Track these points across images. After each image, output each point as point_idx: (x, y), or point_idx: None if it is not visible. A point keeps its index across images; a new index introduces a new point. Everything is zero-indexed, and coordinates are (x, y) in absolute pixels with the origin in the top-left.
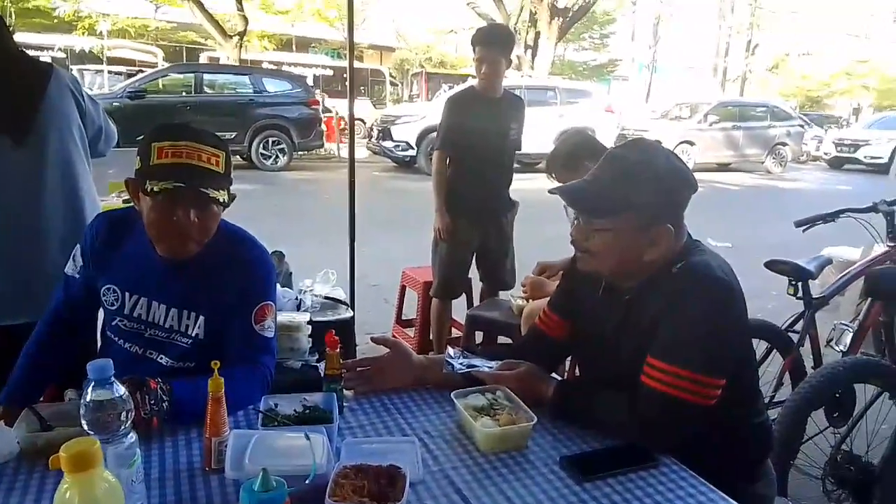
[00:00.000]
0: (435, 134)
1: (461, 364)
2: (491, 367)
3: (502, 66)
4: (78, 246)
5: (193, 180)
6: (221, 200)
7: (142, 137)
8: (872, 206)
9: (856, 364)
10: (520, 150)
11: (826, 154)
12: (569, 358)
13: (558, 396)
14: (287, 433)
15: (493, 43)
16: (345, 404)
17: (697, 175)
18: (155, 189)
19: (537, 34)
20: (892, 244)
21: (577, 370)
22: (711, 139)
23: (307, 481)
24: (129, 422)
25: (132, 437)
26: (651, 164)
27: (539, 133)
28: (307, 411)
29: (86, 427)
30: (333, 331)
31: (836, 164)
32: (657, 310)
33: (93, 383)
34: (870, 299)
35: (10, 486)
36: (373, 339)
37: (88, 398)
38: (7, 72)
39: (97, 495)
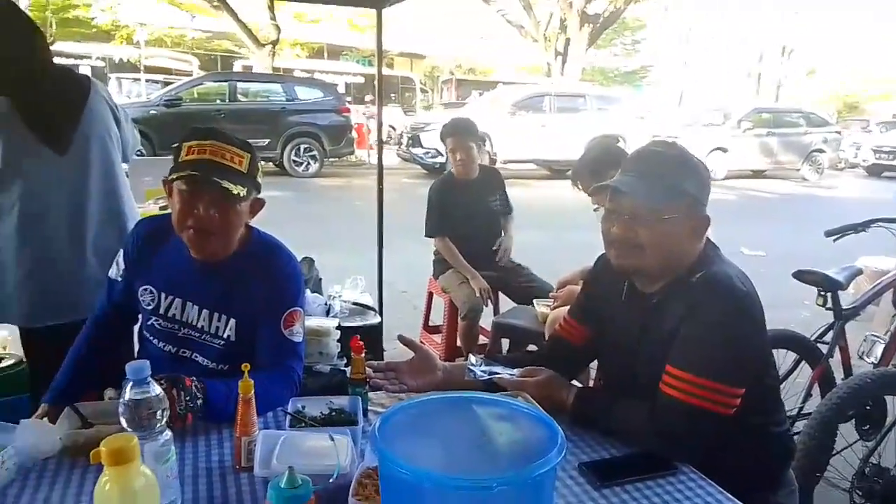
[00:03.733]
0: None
1: (482, 371)
2: (512, 375)
3: (474, 151)
4: (121, 251)
5: (208, 172)
6: (235, 193)
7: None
8: None
9: (885, 375)
10: (510, 212)
11: (864, 161)
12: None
13: (578, 404)
14: (313, 434)
15: (461, 133)
16: (369, 408)
17: (731, 182)
18: (173, 178)
19: (567, 41)
20: None
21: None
22: (745, 146)
23: (331, 480)
24: (164, 420)
25: (167, 434)
26: (688, 156)
27: (569, 140)
28: (333, 413)
29: (124, 424)
30: (358, 336)
31: (875, 171)
32: (677, 318)
33: (131, 383)
34: None
35: (53, 480)
36: (399, 338)
37: (127, 397)
38: (50, 87)
39: (135, 488)
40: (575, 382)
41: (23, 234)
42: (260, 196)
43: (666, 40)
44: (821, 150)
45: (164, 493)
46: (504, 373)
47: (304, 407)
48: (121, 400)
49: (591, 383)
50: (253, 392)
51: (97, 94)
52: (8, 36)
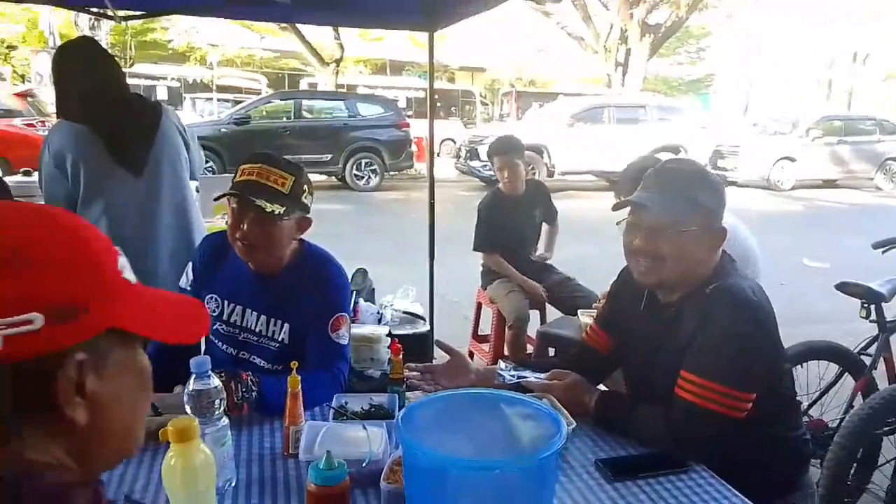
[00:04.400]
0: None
1: (511, 375)
2: (539, 378)
3: (520, 168)
4: (190, 262)
5: (249, 191)
6: (269, 211)
7: None
8: None
9: None
10: (555, 218)
11: None
12: None
13: (599, 406)
14: (353, 426)
15: (508, 151)
16: (406, 404)
17: (799, 192)
18: (223, 195)
19: (628, 51)
20: None
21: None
22: (815, 155)
23: (364, 465)
24: (222, 408)
25: (225, 421)
26: (704, 172)
27: (628, 152)
28: (373, 409)
29: (188, 412)
30: (397, 340)
31: None
32: (692, 328)
33: (194, 375)
34: None
35: (128, 459)
36: (437, 343)
37: (190, 388)
38: (127, 114)
39: (195, 464)
40: (601, 387)
41: None
42: (307, 216)
43: (730, 48)
44: (895, 159)
45: (221, 473)
46: (532, 376)
47: (347, 402)
48: (185, 391)
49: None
50: (300, 387)
51: (168, 118)
52: (93, 70)
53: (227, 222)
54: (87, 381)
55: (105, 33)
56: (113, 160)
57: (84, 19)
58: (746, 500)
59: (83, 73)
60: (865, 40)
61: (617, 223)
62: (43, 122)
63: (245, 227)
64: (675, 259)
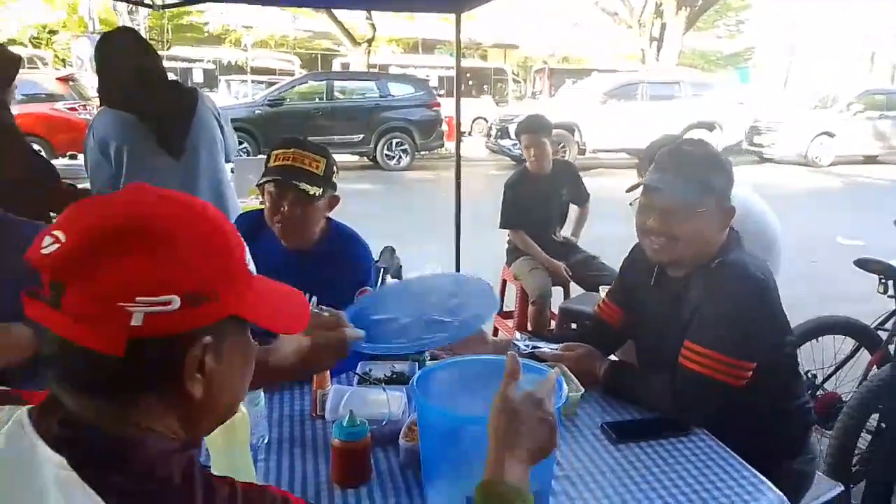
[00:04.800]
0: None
1: (526, 345)
2: (553, 349)
3: (547, 147)
4: None
5: (289, 176)
6: (312, 193)
7: None
8: None
9: None
10: (586, 200)
11: None
12: None
13: (609, 375)
14: (374, 390)
15: (536, 130)
16: None
17: (838, 168)
18: (264, 184)
19: (663, 26)
20: None
21: None
22: (855, 130)
23: (383, 423)
24: None
25: None
26: (716, 154)
27: (661, 128)
28: (394, 375)
29: None
30: None
31: None
32: (697, 301)
33: None
34: None
35: None
36: None
37: None
38: (165, 100)
39: (234, 421)
40: (612, 357)
41: None
42: (336, 193)
43: (771, 21)
44: None
45: (255, 430)
46: (545, 347)
47: (370, 370)
48: None
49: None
50: None
51: (204, 104)
52: (133, 59)
53: (261, 202)
54: (206, 361)
55: (143, 17)
56: (154, 145)
57: (122, 5)
58: (745, 462)
59: (124, 62)
60: None
61: (630, 203)
62: (84, 105)
63: (286, 208)
64: (687, 239)
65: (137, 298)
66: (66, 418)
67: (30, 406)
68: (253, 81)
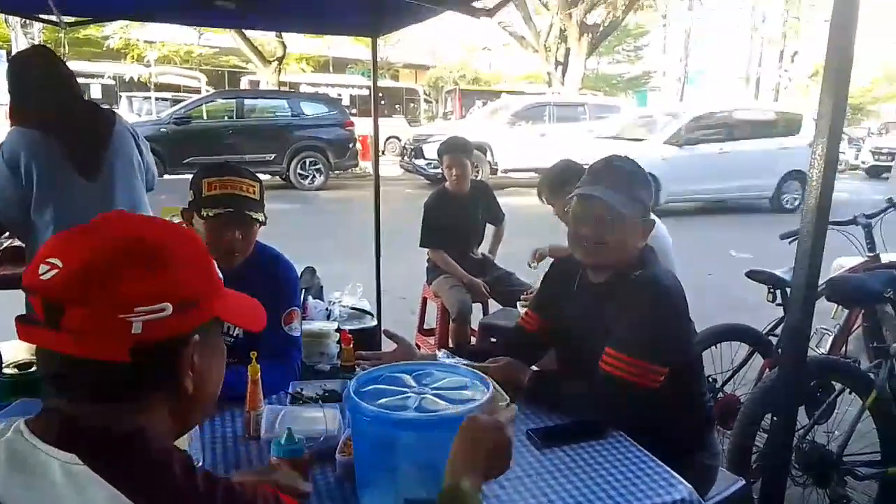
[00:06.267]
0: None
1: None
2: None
3: (468, 167)
4: None
5: (240, 205)
6: (261, 220)
7: (193, 175)
8: (853, 219)
9: (819, 361)
10: (502, 220)
11: (864, 163)
12: None
13: (531, 384)
14: (309, 408)
15: (458, 150)
16: None
17: None
18: (210, 214)
19: (567, 50)
20: (870, 255)
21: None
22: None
23: (321, 439)
24: None
25: None
26: (643, 170)
27: (568, 149)
28: (326, 393)
29: None
30: (347, 330)
31: (874, 173)
32: (616, 310)
33: None
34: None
35: None
36: (384, 332)
37: None
38: (80, 120)
39: None
40: (533, 367)
41: None
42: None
43: (667, 47)
44: None
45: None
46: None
47: (302, 389)
48: None
49: None
50: (259, 375)
51: (121, 124)
52: (47, 78)
53: (182, 224)
54: (195, 358)
55: (38, 31)
56: (67, 164)
57: (15, 19)
58: (656, 459)
59: (38, 81)
60: (792, 39)
61: (566, 209)
62: None
63: (235, 236)
64: (616, 245)
65: (136, 309)
66: (70, 422)
67: (26, 418)
68: (157, 98)
